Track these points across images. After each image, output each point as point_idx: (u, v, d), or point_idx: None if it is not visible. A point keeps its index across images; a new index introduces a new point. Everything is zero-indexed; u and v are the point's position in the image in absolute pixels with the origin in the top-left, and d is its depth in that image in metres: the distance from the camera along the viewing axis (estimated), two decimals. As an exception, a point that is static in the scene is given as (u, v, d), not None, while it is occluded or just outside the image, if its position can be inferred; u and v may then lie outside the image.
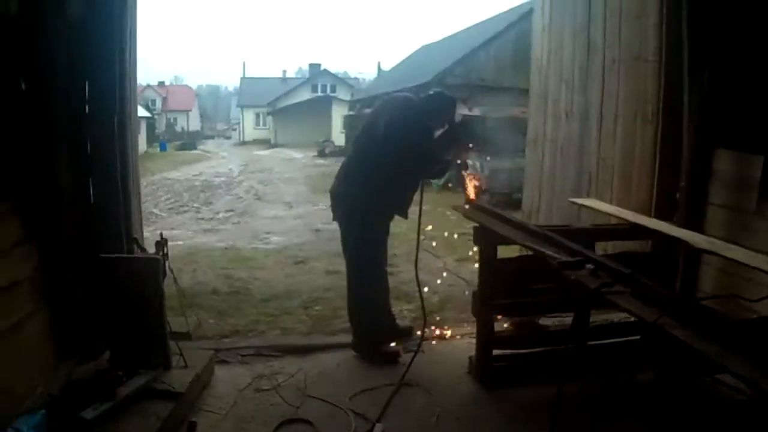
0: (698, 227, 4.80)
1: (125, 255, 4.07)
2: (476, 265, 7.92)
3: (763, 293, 3.80)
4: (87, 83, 4.13)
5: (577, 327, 4.25)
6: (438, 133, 4.58)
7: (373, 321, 4.66)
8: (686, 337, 2.22)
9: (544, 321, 4.91)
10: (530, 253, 3.71)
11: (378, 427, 3.51)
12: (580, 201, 5.09)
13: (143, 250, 4.25)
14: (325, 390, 4.07)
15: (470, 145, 4.91)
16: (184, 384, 3.68)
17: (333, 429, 3.59)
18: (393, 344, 4.74)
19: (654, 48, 5.35)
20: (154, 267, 3.77)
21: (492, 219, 4.23)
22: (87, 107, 4.14)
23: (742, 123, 4.73)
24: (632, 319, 4.80)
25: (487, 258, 4.16)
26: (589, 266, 2.92)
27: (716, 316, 2.40)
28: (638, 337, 4.40)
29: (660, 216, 5.02)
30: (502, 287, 4.18)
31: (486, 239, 4.13)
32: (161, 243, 4.24)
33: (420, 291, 4.65)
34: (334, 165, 27.56)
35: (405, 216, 4.73)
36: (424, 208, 4.75)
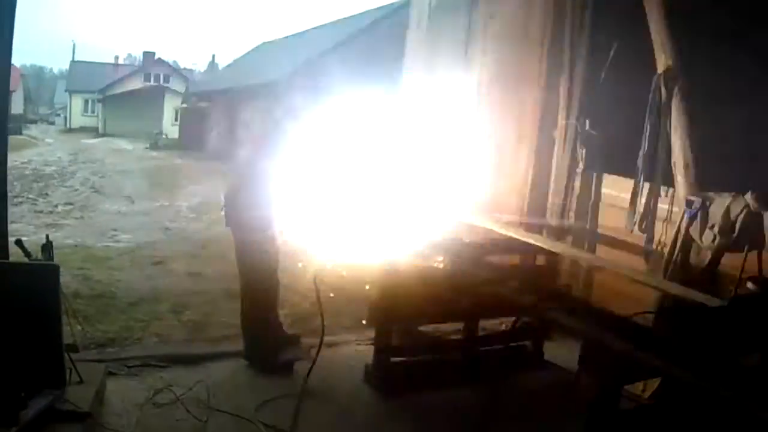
0: (567, 242, 5.19)
1: (19, 261, 3.76)
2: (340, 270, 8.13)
3: (629, 304, 4.23)
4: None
5: (469, 335, 4.51)
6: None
7: (264, 329, 4.62)
8: (626, 349, 2.44)
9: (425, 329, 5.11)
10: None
11: (295, 439, 3.50)
12: (461, 216, 5.32)
13: (28, 253, 3.94)
14: (227, 402, 3.96)
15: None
16: (86, 402, 3.42)
17: (248, 443, 3.52)
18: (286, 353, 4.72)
19: (534, 72, 5.74)
20: (52, 274, 3.51)
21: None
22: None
23: (613, 148, 5.18)
24: (504, 327, 5.24)
25: (387, 268, 4.26)
26: (513, 283, 3.11)
27: (647, 331, 2.67)
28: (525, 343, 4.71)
29: (530, 231, 5.33)
30: (398, 298, 4.30)
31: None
32: (48, 246, 3.98)
33: (319, 301, 4.66)
34: (168, 158, 26.86)
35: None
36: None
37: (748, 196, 4.18)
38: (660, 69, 4.79)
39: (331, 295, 6.56)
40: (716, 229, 4.37)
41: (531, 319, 4.47)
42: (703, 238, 4.46)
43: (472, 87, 6.52)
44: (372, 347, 4.57)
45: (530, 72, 5.81)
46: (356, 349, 5.12)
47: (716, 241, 4.38)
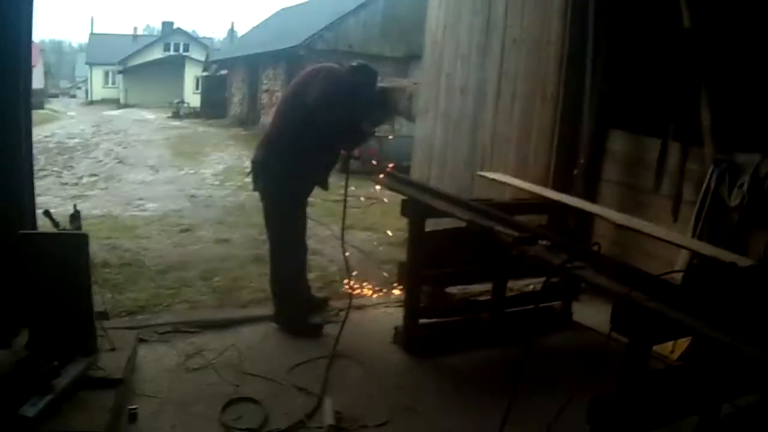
0: (593, 202, 5.14)
1: (48, 231, 3.79)
2: (364, 233, 8.16)
3: (656, 265, 4.19)
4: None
5: (497, 295, 4.51)
6: (360, 104, 4.59)
7: (293, 293, 4.65)
8: (658, 308, 2.42)
9: (450, 290, 5.11)
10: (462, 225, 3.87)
11: (327, 401, 3.52)
12: (489, 175, 5.28)
13: (56, 224, 3.98)
14: (258, 366, 4.00)
15: (388, 115, 4.96)
16: (119, 369, 3.46)
17: (280, 406, 3.54)
18: (315, 316, 4.76)
19: (557, 32, 5.64)
20: (82, 243, 3.54)
21: (420, 191, 4.33)
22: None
23: (641, 107, 5.09)
24: (533, 288, 5.23)
25: (415, 230, 4.25)
26: (543, 242, 3.09)
27: (678, 290, 2.64)
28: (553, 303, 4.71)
29: (557, 191, 5.30)
30: (428, 258, 4.30)
31: (415, 212, 4.23)
32: (76, 216, 4.01)
33: (347, 263, 4.67)
34: (191, 127, 26.94)
35: (326, 187, 4.73)
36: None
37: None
38: (685, 25, 4.68)
39: (360, 257, 6.65)
40: (745, 188, 4.32)
41: (559, 279, 4.46)
42: (732, 198, 4.40)
43: (495, 48, 6.44)
44: (401, 309, 4.59)
45: (554, 31, 5.72)
46: (385, 311, 5.15)
47: (745, 201, 4.33)
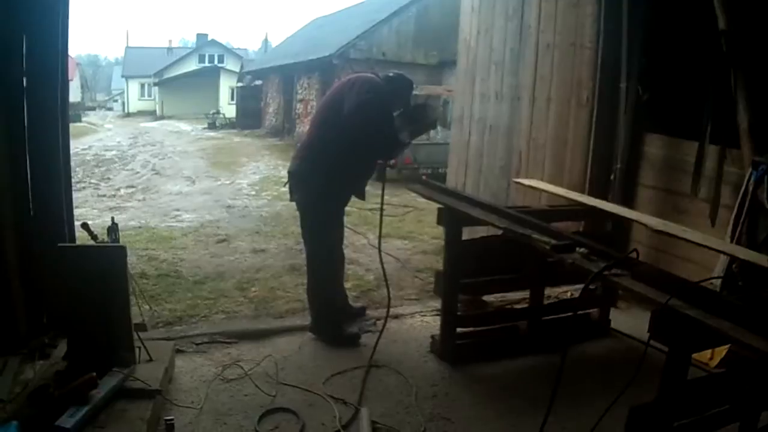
0: (631, 208, 5.06)
1: (87, 244, 3.85)
2: (400, 241, 8.15)
3: (695, 270, 4.11)
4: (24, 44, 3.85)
5: (534, 303, 4.46)
6: (396, 114, 4.59)
7: (330, 302, 4.66)
8: (698, 316, 2.37)
9: (487, 299, 5.08)
10: (498, 233, 3.84)
11: (363, 411, 3.51)
12: (526, 182, 5.24)
13: (94, 236, 4.04)
14: (295, 376, 4.02)
15: (425, 126, 4.94)
16: (156, 380, 3.50)
17: (317, 416, 3.55)
18: (352, 326, 4.76)
19: (591, 36, 5.59)
20: (119, 255, 3.59)
21: (456, 199, 4.31)
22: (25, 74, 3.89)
23: (677, 111, 5.01)
24: (570, 295, 5.16)
25: (452, 238, 4.23)
26: (581, 250, 3.04)
27: (717, 296, 2.59)
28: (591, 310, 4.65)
29: (594, 196, 5.25)
30: (465, 267, 4.27)
31: (452, 220, 4.21)
32: (114, 228, 4.06)
33: (384, 272, 4.66)
34: (226, 137, 27.24)
35: (362, 197, 4.73)
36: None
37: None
38: (721, 27, 4.59)
39: (396, 265, 6.63)
40: (784, 191, 4.22)
41: (597, 286, 4.41)
42: (771, 201, 4.30)
43: (529, 53, 6.40)
44: (437, 318, 4.56)
45: (588, 35, 5.67)
46: (422, 320, 5.12)
47: (785, 204, 4.23)
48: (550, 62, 6.12)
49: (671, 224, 4.07)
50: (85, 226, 4.03)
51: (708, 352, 4.13)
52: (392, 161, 4.60)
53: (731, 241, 4.39)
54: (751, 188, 4.38)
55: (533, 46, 6.32)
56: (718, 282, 4.13)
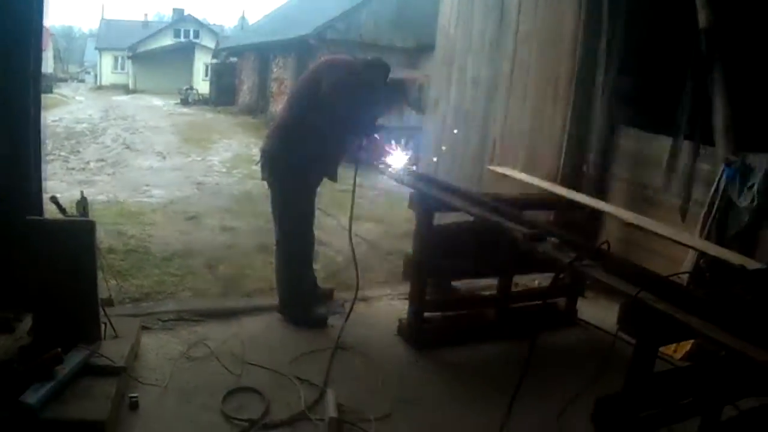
0: (603, 200, 5.10)
1: (55, 218, 3.77)
2: (371, 224, 8.13)
3: (665, 264, 4.16)
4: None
5: (503, 291, 4.48)
6: (372, 96, 4.55)
7: (298, 283, 4.62)
8: (667, 309, 2.39)
9: (456, 284, 5.09)
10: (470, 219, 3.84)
11: (329, 393, 3.50)
12: (499, 169, 5.25)
13: (63, 210, 3.96)
14: (261, 356, 3.98)
15: (401, 108, 4.92)
16: (121, 357, 3.44)
17: (282, 397, 3.53)
18: (320, 307, 4.74)
19: (570, 29, 5.60)
20: (87, 230, 3.52)
21: (428, 184, 4.30)
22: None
23: (653, 106, 5.05)
24: (538, 284, 5.20)
25: (423, 223, 4.22)
26: (552, 239, 3.05)
27: (686, 291, 2.61)
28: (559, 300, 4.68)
29: (567, 187, 5.27)
30: (435, 252, 4.27)
31: (423, 205, 4.19)
32: (83, 202, 3.99)
33: (353, 254, 4.63)
34: (199, 114, 26.94)
35: (335, 179, 4.70)
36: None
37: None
38: (702, 25, 4.63)
39: (366, 248, 6.61)
40: (755, 189, 4.28)
41: (565, 276, 4.43)
42: (742, 199, 4.36)
43: (508, 42, 6.40)
44: (406, 302, 4.55)
45: (567, 28, 5.68)
46: (390, 304, 5.12)
47: (754, 202, 4.29)
48: (528, 52, 6.12)
49: (642, 217, 4.11)
50: (53, 199, 3.96)
51: (672, 345, 4.19)
52: (365, 143, 4.55)
53: (701, 237, 4.45)
54: (722, 186, 4.44)
55: (512, 35, 6.33)
56: (687, 276, 4.18)
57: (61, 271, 3.45)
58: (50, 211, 4.14)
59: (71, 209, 3.94)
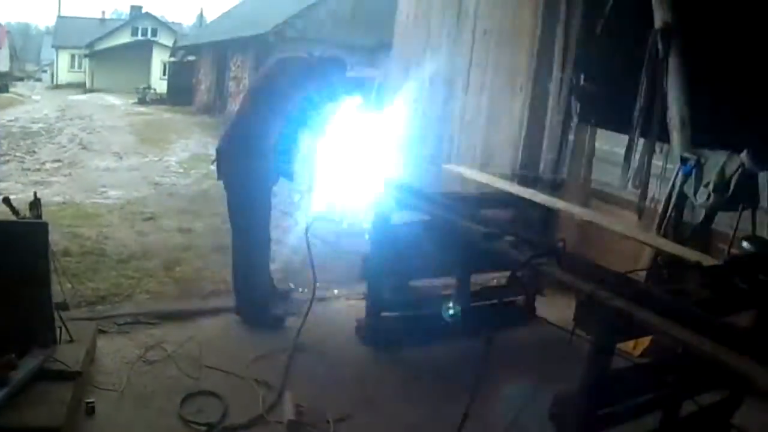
0: (559, 197, 5.13)
1: (6, 219, 3.67)
2: (330, 224, 8.09)
3: (621, 262, 4.21)
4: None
5: (462, 290, 4.49)
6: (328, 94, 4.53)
7: (255, 284, 4.59)
8: (623, 306, 2.42)
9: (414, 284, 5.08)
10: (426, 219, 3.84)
11: (287, 395, 3.48)
12: (455, 168, 5.27)
13: (16, 211, 3.87)
14: (219, 358, 3.94)
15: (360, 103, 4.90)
16: (77, 361, 3.36)
17: (240, 399, 3.50)
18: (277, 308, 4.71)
19: (529, 25, 5.63)
20: (40, 232, 3.44)
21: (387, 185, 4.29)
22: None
23: (610, 103, 5.10)
24: (496, 282, 5.23)
25: (380, 222, 4.22)
26: (509, 238, 3.07)
27: (642, 287, 2.65)
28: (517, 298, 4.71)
29: (523, 185, 5.31)
30: (392, 251, 4.26)
31: (380, 204, 4.18)
32: (36, 203, 3.90)
33: (310, 254, 4.60)
34: (156, 113, 26.57)
35: (291, 178, 4.67)
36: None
37: (743, 155, 4.14)
38: (657, 24, 4.69)
39: (324, 248, 6.57)
40: (711, 187, 4.35)
41: (523, 274, 4.46)
42: (698, 196, 4.44)
43: (466, 39, 6.42)
44: (363, 302, 4.55)
45: (525, 24, 5.71)
46: (348, 304, 5.12)
47: (710, 199, 4.36)
48: (486, 49, 6.15)
49: (598, 215, 4.16)
50: (6, 200, 3.88)
51: (632, 342, 4.24)
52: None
53: (658, 234, 4.51)
54: (678, 183, 4.51)
55: (470, 32, 6.35)
56: (644, 274, 4.23)
57: (13, 274, 3.36)
58: (3, 213, 4.03)
59: (24, 211, 3.85)
